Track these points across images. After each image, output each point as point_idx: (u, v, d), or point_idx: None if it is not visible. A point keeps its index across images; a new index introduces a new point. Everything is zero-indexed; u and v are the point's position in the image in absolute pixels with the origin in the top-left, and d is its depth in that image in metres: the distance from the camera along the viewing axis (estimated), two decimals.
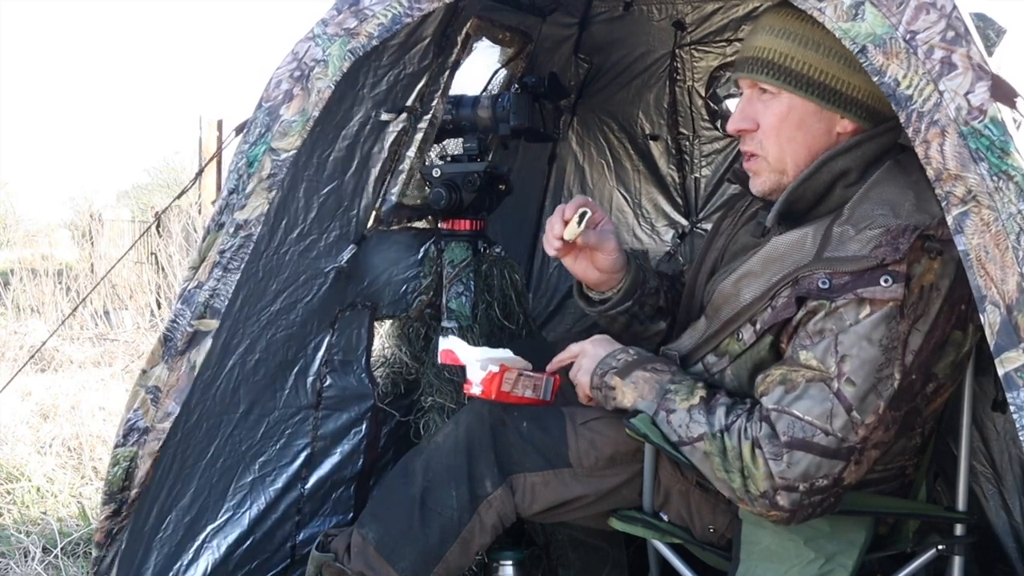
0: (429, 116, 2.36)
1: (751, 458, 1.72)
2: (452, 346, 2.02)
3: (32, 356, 2.95)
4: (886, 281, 1.69)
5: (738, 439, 1.74)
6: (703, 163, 3.19)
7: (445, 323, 2.45)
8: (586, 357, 1.97)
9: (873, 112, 1.83)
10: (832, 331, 1.71)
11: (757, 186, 1.92)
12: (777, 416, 1.72)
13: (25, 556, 2.93)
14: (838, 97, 1.82)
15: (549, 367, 2.04)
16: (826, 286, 1.73)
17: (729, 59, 3.06)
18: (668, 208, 3.24)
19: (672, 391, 1.83)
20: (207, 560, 2.27)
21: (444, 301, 2.46)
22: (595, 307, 2.14)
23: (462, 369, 2.01)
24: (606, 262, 2.06)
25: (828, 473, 1.71)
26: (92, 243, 8.71)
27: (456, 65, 2.38)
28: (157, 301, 7.15)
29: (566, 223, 1.99)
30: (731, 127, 1.91)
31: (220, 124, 8.71)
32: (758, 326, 1.83)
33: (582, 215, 1.96)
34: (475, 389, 1.95)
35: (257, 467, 2.34)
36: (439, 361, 2.07)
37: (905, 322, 1.70)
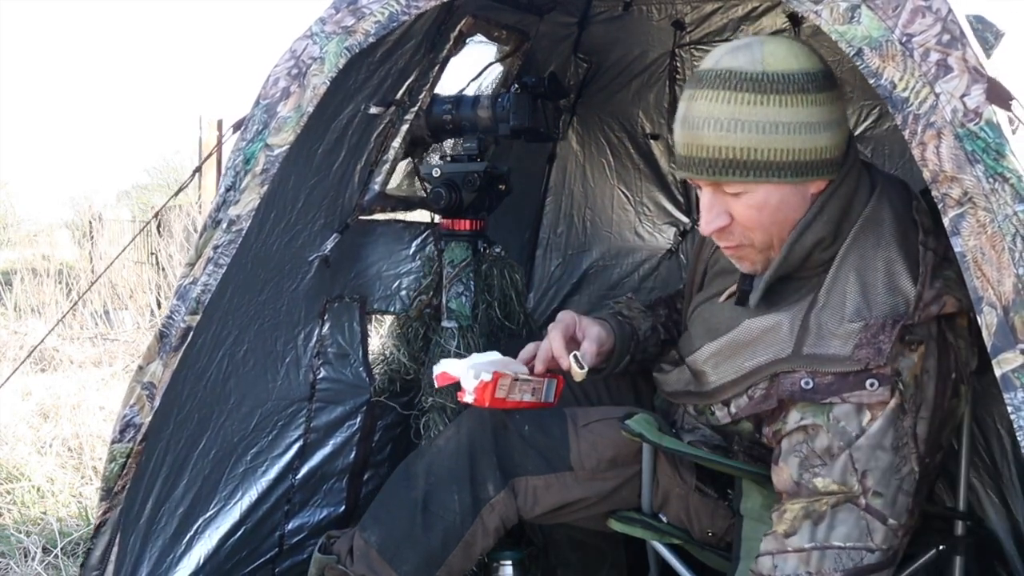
0: (416, 108, 2.38)
1: None
2: (444, 367, 1.99)
3: (30, 354, 2.94)
4: (872, 385, 1.65)
5: None
6: None
7: (445, 323, 2.44)
8: None
9: (840, 161, 1.74)
10: (842, 447, 1.67)
11: (746, 268, 1.82)
12: (820, 556, 1.66)
13: (25, 556, 2.94)
14: (809, 167, 1.70)
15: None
16: (810, 387, 1.69)
17: None
18: (669, 206, 3.23)
19: None
20: (200, 551, 2.28)
21: (444, 301, 2.46)
22: (599, 375, 2.08)
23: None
24: (603, 352, 2.02)
25: None
26: (92, 243, 8.70)
27: (446, 60, 2.38)
28: (157, 301, 7.14)
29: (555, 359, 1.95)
30: (707, 230, 1.76)
31: (220, 124, 8.70)
32: (732, 410, 1.82)
33: (575, 358, 1.93)
34: (468, 398, 1.92)
35: (249, 458, 2.34)
36: (436, 385, 2.05)
37: (908, 417, 1.67)
